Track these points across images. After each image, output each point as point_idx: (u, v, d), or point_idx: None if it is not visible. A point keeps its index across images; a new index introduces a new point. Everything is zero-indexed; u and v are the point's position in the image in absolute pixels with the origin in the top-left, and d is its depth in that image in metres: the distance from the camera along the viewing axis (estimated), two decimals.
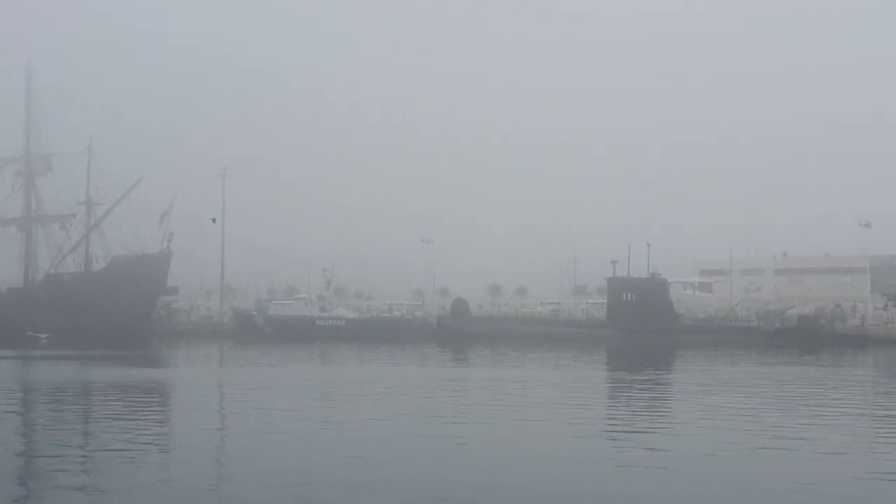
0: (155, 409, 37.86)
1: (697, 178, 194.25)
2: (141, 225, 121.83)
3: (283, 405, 37.11)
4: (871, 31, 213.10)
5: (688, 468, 23.04)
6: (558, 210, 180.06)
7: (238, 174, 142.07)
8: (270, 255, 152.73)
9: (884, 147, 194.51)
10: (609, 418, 34.45)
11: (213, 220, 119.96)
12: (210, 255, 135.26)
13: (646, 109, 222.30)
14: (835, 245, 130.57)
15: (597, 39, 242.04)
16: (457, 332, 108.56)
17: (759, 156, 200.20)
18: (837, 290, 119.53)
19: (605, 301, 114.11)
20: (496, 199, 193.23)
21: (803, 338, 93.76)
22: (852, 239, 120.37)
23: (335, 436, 28.63)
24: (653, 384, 49.48)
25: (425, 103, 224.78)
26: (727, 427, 30.37)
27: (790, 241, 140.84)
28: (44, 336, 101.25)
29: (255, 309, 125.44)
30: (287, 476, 21.78)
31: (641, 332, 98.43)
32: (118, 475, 22.06)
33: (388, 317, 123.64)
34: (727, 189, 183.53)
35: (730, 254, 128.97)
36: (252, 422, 31.81)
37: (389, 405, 37.61)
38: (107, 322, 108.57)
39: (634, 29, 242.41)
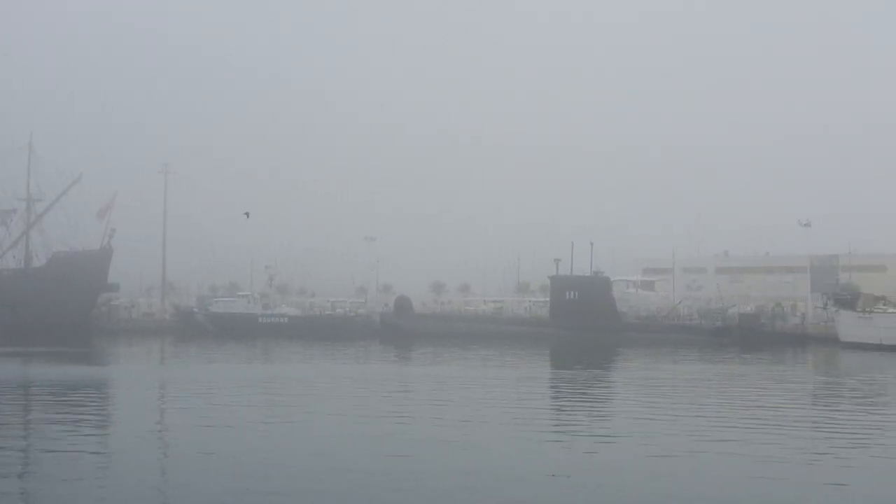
0: (95, 407, 37.44)
1: (643, 180, 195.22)
2: (82, 221, 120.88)
3: (225, 403, 36.86)
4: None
5: (626, 470, 23.04)
6: (502, 208, 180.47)
7: (182, 169, 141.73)
8: (212, 252, 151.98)
9: (825, 150, 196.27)
10: (551, 417, 34.44)
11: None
12: (151, 251, 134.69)
13: (604, 111, 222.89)
14: (776, 245, 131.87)
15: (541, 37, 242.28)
16: (400, 330, 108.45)
17: (704, 161, 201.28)
18: (778, 289, 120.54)
19: (548, 299, 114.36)
20: (442, 196, 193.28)
21: (744, 336, 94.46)
22: (793, 239, 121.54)
23: (277, 433, 28.45)
24: (595, 382, 49.58)
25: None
26: (667, 428, 30.44)
27: (732, 242, 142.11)
28: None
29: (196, 306, 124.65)
30: (229, 473, 21.61)
31: (584, 330, 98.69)
32: (56, 474, 21.79)
33: (331, 314, 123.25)
34: (672, 190, 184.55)
35: (672, 253, 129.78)
36: (193, 420, 31.53)
37: (331, 403, 37.44)
38: (46, 319, 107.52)
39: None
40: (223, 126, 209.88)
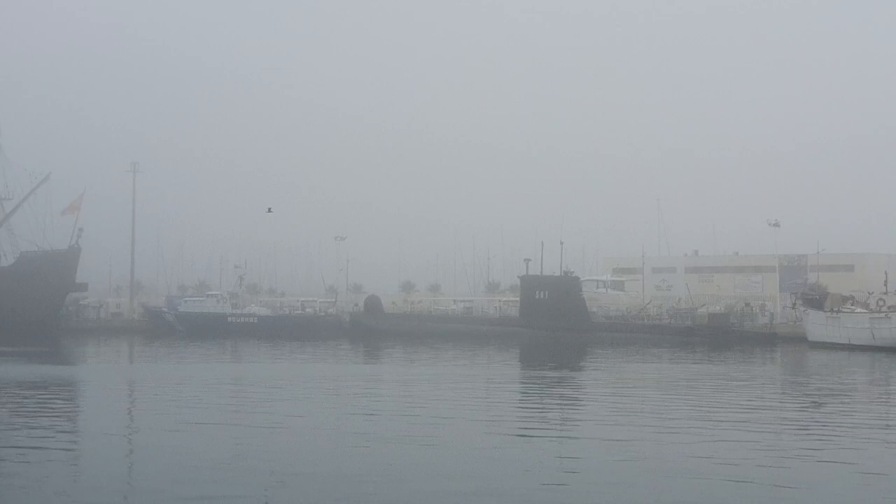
0: (63, 406, 37.27)
1: (612, 180, 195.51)
2: (50, 221, 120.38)
3: (194, 403, 36.74)
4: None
5: (595, 470, 23.08)
6: (471, 208, 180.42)
7: (152, 168, 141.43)
8: (182, 251, 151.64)
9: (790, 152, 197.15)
10: (521, 417, 34.46)
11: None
12: (120, 251, 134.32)
13: (579, 111, 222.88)
14: (745, 245, 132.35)
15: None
16: (370, 330, 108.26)
17: (670, 164, 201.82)
18: (747, 288, 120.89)
19: (518, 299, 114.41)
20: (411, 194, 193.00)
21: (714, 336, 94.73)
22: (762, 238, 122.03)
23: (245, 433, 28.38)
24: (565, 382, 49.68)
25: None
26: (636, 429, 30.52)
27: (702, 241, 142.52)
28: None
29: (165, 306, 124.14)
30: (197, 472, 21.54)
31: (554, 330, 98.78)
32: (23, 473, 21.66)
33: (300, 314, 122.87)
34: (642, 191, 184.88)
35: (642, 253, 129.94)
36: (162, 419, 31.41)
37: (301, 402, 37.40)
38: (14, 318, 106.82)
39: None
40: (194, 124, 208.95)
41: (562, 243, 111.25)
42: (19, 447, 25.28)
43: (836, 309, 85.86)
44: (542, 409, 36.46)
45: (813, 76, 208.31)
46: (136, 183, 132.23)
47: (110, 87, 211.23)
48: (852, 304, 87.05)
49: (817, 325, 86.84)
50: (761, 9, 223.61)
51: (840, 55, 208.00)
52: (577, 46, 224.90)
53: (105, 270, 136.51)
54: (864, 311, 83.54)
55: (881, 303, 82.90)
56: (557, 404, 38.09)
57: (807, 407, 38.30)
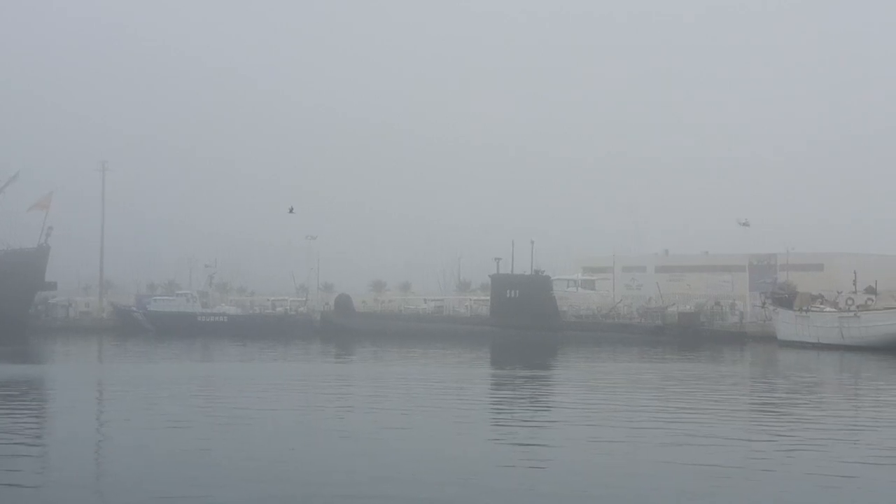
0: (31, 404, 37.05)
1: (584, 181, 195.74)
2: (19, 219, 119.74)
3: (164, 402, 36.55)
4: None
5: (566, 469, 23.06)
6: (443, 207, 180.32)
7: (122, 167, 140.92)
8: (151, 250, 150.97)
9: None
10: (492, 416, 34.46)
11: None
12: (90, 250, 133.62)
13: (540, 115, 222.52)
14: (715, 244, 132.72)
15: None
16: (340, 328, 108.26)
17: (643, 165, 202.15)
18: (717, 287, 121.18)
19: (488, 298, 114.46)
20: (383, 192, 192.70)
21: (684, 335, 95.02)
22: (731, 238, 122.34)
23: (214, 431, 28.25)
24: (536, 381, 49.70)
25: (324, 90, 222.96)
26: (607, 429, 30.56)
27: (672, 241, 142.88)
28: None
29: (134, 305, 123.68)
30: (167, 473, 21.42)
31: (525, 329, 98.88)
32: None
33: (271, 313, 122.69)
34: (614, 191, 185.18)
35: (613, 252, 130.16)
36: (131, 419, 31.24)
37: (272, 401, 37.28)
38: None
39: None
40: (165, 122, 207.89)
41: (532, 242, 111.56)
42: None
43: (805, 308, 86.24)
44: (511, 408, 36.42)
45: (784, 80, 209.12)
46: (105, 181, 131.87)
47: (81, 84, 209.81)
48: (821, 304, 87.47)
49: (787, 325, 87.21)
50: (731, 14, 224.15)
51: (811, 59, 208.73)
52: (562, 47, 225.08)
53: (74, 269, 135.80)
54: (833, 310, 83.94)
55: (850, 302, 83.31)
56: (527, 403, 38.06)
57: (775, 405, 38.41)
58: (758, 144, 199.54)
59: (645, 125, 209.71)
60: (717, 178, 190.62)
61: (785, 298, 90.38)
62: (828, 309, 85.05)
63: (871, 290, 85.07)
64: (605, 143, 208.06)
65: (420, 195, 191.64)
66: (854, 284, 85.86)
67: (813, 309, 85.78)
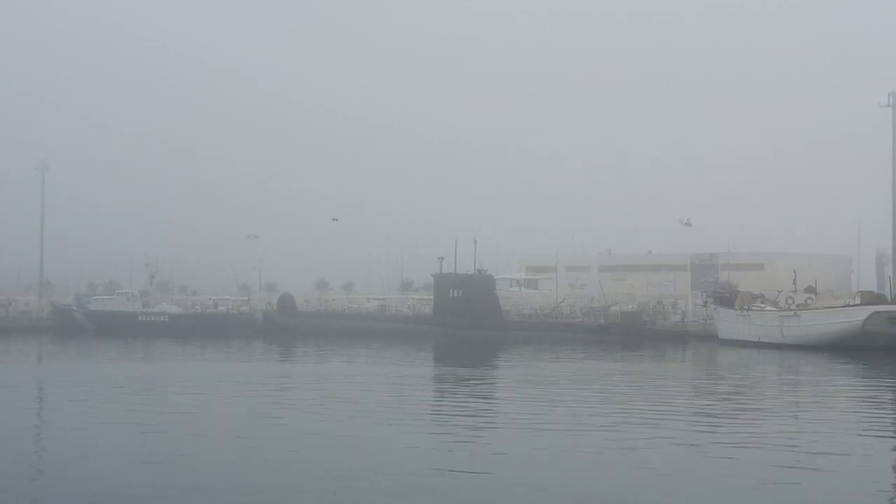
0: None
1: (529, 180, 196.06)
2: None
3: (104, 403, 36.16)
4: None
5: (508, 464, 22.98)
6: (385, 204, 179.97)
7: (61, 166, 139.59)
8: (91, 250, 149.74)
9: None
10: (434, 415, 34.35)
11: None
12: (29, 249, 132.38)
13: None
14: (657, 244, 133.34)
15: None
16: (283, 328, 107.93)
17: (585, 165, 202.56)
18: (660, 287, 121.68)
19: (431, 297, 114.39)
20: (323, 189, 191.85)
21: (626, 334, 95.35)
22: (674, 238, 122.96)
23: (155, 432, 27.96)
24: (478, 380, 49.64)
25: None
26: (549, 427, 30.54)
27: (615, 241, 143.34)
28: None
29: (74, 304, 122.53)
30: (108, 475, 21.14)
31: (468, 328, 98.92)
32: None
33: (213, 312, 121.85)
34: (557, 191, 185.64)
35: (556, 252, 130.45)
36: (70, 420, 30.83)
37: (213, 401, 36.98)
38: None
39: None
40: (104, 121, 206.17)
41: (475, 242, 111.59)
42: None
43: (746, 307, 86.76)
44: (453, 406, 36.33)
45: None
46: (45, 181, 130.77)
47: (21, 83, 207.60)
48: (762, 303, 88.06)
49: (728, 324, 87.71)
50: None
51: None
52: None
53: (14, 269, 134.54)
54: (774, 309, 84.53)
55: (790, 301, 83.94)
56: (469, 402, 37.97)
57: (716, 402, 38.55)
58: (702, 147, 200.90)
59: (588, 125, 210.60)
60: (663, 179, 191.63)
61: (726, 298, 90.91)
62: (768, 308, 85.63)
63: (811, 290, 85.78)
64: (552, 141, 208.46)
65: (362, 192, 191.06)
66: (794, 284, 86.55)
67: (754, 308, 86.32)
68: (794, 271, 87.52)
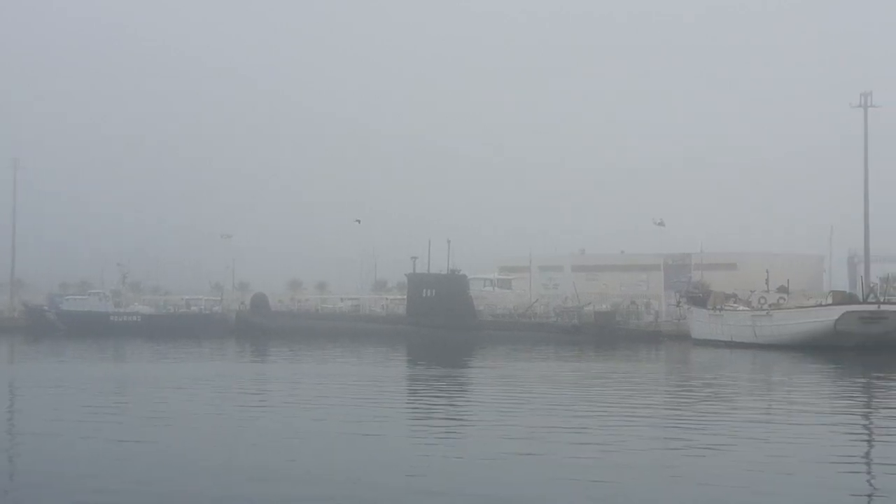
0: None
1: (501, 180, 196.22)
2: None
3: (75, 403, 35.96)
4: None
5: (481, 464, 22.93)
6: (358, 204, 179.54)
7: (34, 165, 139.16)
8: (63, 249, 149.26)
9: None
10: (408, 414, 34.28)
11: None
12: (1, 248, 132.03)
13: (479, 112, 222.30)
14: (631, 244, 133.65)
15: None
16: (256, 328, 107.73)
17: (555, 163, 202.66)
18: (633, 287, 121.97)
19: (405, 297, 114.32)
20: (299, 189, 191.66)
21: (600, 334, 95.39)
22: (647, 237, 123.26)
23: (127, 434, 27.81)
24: (452, 380, 49.61)
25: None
26: (524, 427, 30.51)
27: (588, 241, 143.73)
28: None
29: (47, 304, 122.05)
30: (75, 478, 21.01)
31: (441, 328, 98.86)
32: None
33: (185, 312, 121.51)
34: (532, 191, 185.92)
35: (530, 252, 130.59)
36: (42, 422, 30.64)
37: (185, 402, 36.81)
38: None
39: None
40: (75, 119, 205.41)
41: (449, 241, 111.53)
42: None
43: (718, 307, 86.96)
44: (427, 406, 36.26)
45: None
46: (16, 180, 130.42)
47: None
48: (735, 302, 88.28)
49: (701, 323, 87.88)
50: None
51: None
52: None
53: None
54: (746, 308, 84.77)
55: (762, 301, 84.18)
56: (443, 402, 37.90)
57: (690, 402, 38.58)
58: (675, 147, 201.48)
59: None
60: (637, 180, 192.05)
61: (699, 297, 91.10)
62: (741, 308, 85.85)
63: (783, 290, 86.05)
64: (525, 142, 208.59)
65: (335, 190, 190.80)
66: (766, 283, 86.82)
67: (726, 308, 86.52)
68: (767, 271, 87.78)
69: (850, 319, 72.92)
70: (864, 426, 32.03)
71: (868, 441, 28.68)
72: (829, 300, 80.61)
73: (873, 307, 74.25)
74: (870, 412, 36.31)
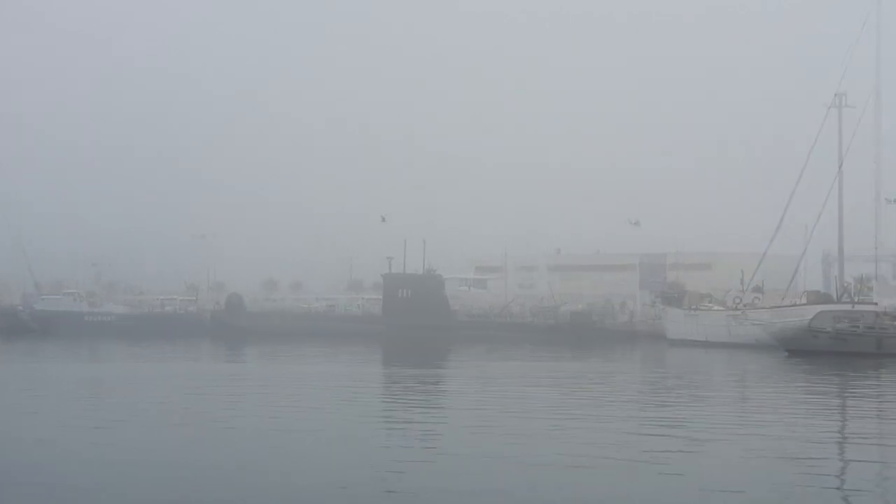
0: None
1: (477, 179, 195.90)
2: None
3: (48, 405, 35.72)
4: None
5: (455, 462, 22.87)
6: (333, 203, 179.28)
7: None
8: (36, 249, 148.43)
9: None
10: (383, 414, 34.16)
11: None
12: None
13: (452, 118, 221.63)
14: (606, 244, 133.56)
15: None
16: (231, 328, 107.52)
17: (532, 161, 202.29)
18: (609, 287, 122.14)
19: (381, 297, 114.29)
20: (275, 188, 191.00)
21: (575, 334, 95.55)
22: (622, 237, 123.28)
23: (102, 434, 27.63)
24: (427, 380, 49.53)
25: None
26: (498, 426, 30.46)
27: (564, 241, 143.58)
28: None
29: (21, 304, 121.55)
30: (51, 480, 20.84)
31: (417, 328, 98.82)
32: None
33: (160, 312, 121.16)
34: (507, 191, 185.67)
35: (505, 252, 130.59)
36: (13, 425, 30.43)
37: (158, 402, 36.59)
38: None
39: None
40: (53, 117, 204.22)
41: (424, 241, 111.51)
42: None
43: (694, 307, 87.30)
44: (403, 405, 36.16)
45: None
46: None
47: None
48: (710, 302, 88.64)
49: (676, 323, 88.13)
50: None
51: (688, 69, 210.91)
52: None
53: None
54: (721, 308, 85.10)
55: (737, 301, 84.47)
56: (418, 401, 37.81)
57: (666, 402, 38.60)
58: (650, 147, 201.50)
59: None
60: (611, 180, 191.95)
61: (674, 297, 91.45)
62: (716, 308, 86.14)
63: (757, 289, 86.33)
64: (502, 142, 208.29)
65: (310, 190, 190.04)
66: (741, 283, 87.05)
67: (701, 308, 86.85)
68: (742, 271, 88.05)
69: (825, 319, 73.11)
70: (837, 424, 32.12)
71: (839, 442, 28.73)
72: (804, 300, 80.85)
73: (847, 307, 74.53)
74: (843, 410, 36.43)
